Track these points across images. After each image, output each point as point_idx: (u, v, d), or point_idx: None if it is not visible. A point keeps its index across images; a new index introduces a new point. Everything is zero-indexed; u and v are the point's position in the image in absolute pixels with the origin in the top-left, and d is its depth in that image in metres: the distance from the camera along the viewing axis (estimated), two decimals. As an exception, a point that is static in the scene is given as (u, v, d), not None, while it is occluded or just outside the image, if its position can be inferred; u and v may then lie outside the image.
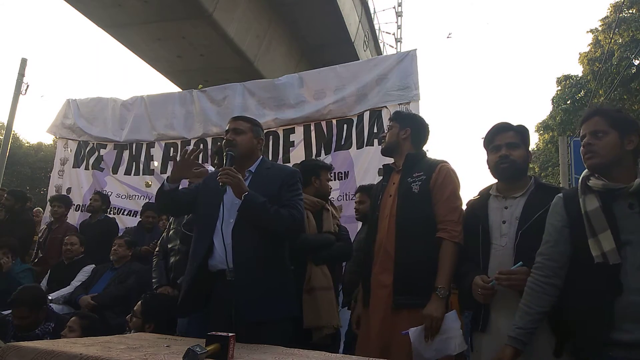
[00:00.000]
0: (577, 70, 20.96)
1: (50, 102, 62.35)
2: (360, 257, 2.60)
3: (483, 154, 2.17)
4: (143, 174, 5.39)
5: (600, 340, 1.53)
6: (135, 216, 5.26)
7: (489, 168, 2.11)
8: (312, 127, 4.57)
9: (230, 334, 1.50)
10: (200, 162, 4.87)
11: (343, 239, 2.89)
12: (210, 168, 3.40)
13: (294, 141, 4.60)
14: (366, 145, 4.26)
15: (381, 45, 18.60)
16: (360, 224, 3.51)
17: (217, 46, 10.44)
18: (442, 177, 2.19)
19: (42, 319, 3.13)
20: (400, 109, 3.90)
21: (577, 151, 1.74)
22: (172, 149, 5.28)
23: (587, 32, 17.82)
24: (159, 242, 3.83)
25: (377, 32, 17.30)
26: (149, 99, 5.54)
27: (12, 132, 11.18)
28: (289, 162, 4.34)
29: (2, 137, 12.22)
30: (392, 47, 20.39)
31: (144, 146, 5.45)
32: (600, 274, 1.57)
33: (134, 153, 5.49)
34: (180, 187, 2.34)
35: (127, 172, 5.50)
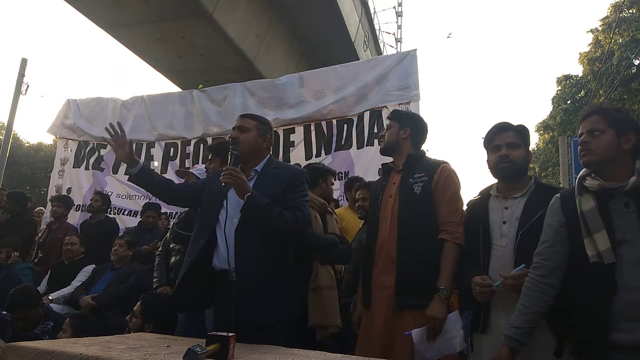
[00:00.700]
0: (577, 70, 21.01)
1: (50, 102, 62.42)
2: (360, 257, 2.60)
3: (483, 154, 2.17)
4: (143, 174, 5.39)
5: (599, 341, 1.54)
6: (136, 216, 5.27)
7: (489, 168, 2.11)
8: (312, 127, 4.58)
9: (230, 334, 1.50)
10: (200, 162, 4.89)
11: (343, 242, 2.90)
12: (203, 166, 3.39)
13: (294, 141, 4.61)
14: (366, 145, 4.26)
15: (381, 45, 18.60)
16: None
17: (217, 46, 10.44)
18: (443, 178, 2.19)
19: (41, 318, 3.14)
20: (400, 109, 3.90)
21: (577, 151, 1.74)
22: (172, 149, 5.28)
23: (587, 32, 17.85)
24: (161, 242, 3.84)
25: (377, 32, 17.29)
26: (149, 99, 5.55)
27: (12, 132, 11.18)
28: (289, 162, 4.35)
29: (2, 137, 12.23)
30: (392, 47, 20.41)
31: (144, 146, 5.45)
32: (596, 273, 1.58)
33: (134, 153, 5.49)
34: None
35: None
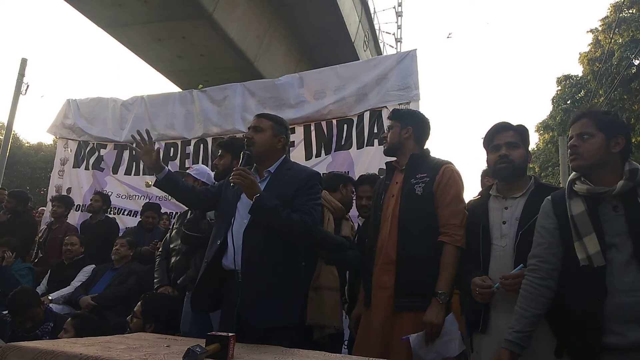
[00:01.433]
0: (577, 70, 21.00)
1: (50, 102, 62.26)
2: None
3: (483, 154, 2.16)
4: (143, 174, 5.39)
5: (592, 344, 1.55)
6: (136, 216, 5.26)
7: (488, 168, 2.10)
8: (312, 127, 4.57)
9: (230, 334, 1.50)
10: (200, 162, 4.89)
11: (354, 248, 2.89)
12: (200, 167, 3.39)
13: (294, 141, 4.60)
14: (366, 146, 4.26)
15: (381, 45, 18.58)
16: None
17: (217, 46, 10.43)
18: (445, 179, 2.17)
19: (42, 319, 3.14)
20: (400, 109, 3.89)
21: (568, 155, 1.75)
22: (172, 149, 5.28)
23: (587, 32, 17.84)
24: (162, 242, 3.84)
25: (377, 32, 17.27)
26: (149, 99, 5.55)
27: (12, 132, 11.18)
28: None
29: (2, 137, 12.22)
30: (392, 47, 20.37)
31: (144, 146, 5.44)
32: (586, 277, 1.59)
33: (134, 153, 5.48)
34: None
35: (128, 172, 5.51)
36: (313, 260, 2.63)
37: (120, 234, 4.75)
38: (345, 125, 4.42)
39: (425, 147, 2.40)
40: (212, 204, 2.35)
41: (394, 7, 21.79)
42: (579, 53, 18.07)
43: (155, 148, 2.26)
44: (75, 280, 4.04)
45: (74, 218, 5.39)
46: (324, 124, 4.52)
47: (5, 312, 3.32)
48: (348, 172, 4.25)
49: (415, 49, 4.30)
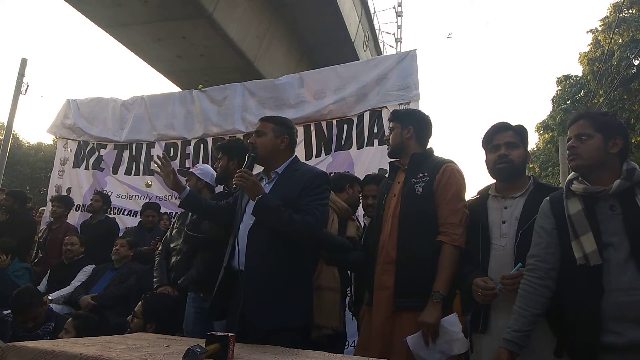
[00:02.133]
0: (577, 70, 20.99)
1: (50, 102, 62.30)
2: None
3: (483, 154, 2.16)
4: (143, 174, 5.40)
5: (590, 343, 1.55)
6: (136, 216, 5.26)
7: (487, 168, 2.11)
8: (312, 127, 4.57)
9: (230, 334, 1.51)
10: (200, 162, 4.89)
11: (358, 250, 2.89)
12: (204, 166, 3.39)
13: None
14: (366, 146, 4.26)
15: (381, 45, 18.57)
16: None
17: (217, 46, 10.43)
18: (446, 177, 2.16)
19: (43, 319, 3.14)
20: (400, 109, 3.89)
21: (566, 155, 1.77)
22: (172, 149, 5.28)
23: (587, 32, 17.85)
24: (162, 241, 3.84)
25: (377, 32, 17.27)
26: (149, 99, 5.55)
27: (12, 132, 11.18)
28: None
29: (2, 137, 12.22)
30: (392, 47, 20.36)
31: (144, 146, 5.45)
32: (584, 276, 1.60)
33: (134, 153, 5.49)
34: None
35: (128, 172, 5.51)
36: (314, 261, 2.62)
37: (121, 234, 4.75)
38: (345, 125, 4.42)
39: (428, 147, 2.39)
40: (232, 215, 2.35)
41: (394, 7, 21.79)
42: (579, 53, 18.10)
43: (172, 169, 2.35)
44: (75, 280, 4.04)
45: (74, 218, 5.39)
46: (324, 124, 4.52)
47: (6, 312, 3.33)
48: (348, 172, 4.26)
49: (415, 49, 4.31)
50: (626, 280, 1.52)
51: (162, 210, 4.96)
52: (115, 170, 5.56)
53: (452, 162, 2.25)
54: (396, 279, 2.13)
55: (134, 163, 5.48)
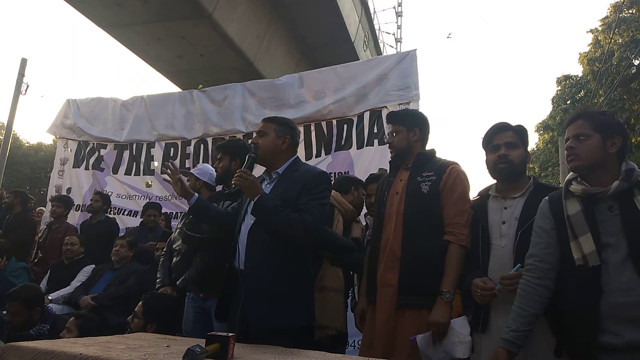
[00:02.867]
0: (577, 70, 21.01)
1: (50, 102, 62.36)
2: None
3: (483, 154, 2.16)
4: (143, 174, 5.40)
5: (588, 343, 1.55)
6: (136, 216, 5.27)
7: (487, 168, 2.11)
8: (312, 127, 4.58)
9: (230, 334, 1.51)
10: (201, 162, 4.89)
11: (362, 251, 2.89)
12: (203, 166, 3.39)
13: (294, 141, 4.60)
14: (366, 145, 4.26)
15: (381, 45, 18.58)
16: None
17: (217, 46, 10.43)
18: (452, 179, 2.18)
19: (37, 320, 3.09)
20: (400, 109, 3.89)
21: (565, 156, 1.76)
22: (172, 149, 5.28)
23: (587, 32, 17.87)
24: (161, 241, 3.85)
25: (377, 32, 17.27)
26: (149, 99, 5.55)
27: (12, 132, 11.19)
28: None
29: (2, 137, 12.22)
30: (392, 47, 20.36)
31: (144, 146, 5.45)
32: (582, 276, 1.60)
33: (134, 153, 5.49)
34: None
35: (128, 172, 5.51)
36: (318, 261, 2.62)
37: (121, 234, 4.75)
38: (345, 125, 4.43)
39: (431, 147, 2.42)
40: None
41: (394, 7, 21.79)
42: (579, 53, 18.13)
43: (180, 177, 2.35)
44: (75, 280, 4.04)
45: (74, 218, 5.39)
46: (324, 124, 4.52)
47: (5, 312, 3.32)
48: (348, 172, 4.26)
49: (415, 49, 4.31)
50: (624, 280, 1.52)
51: (162, 210, 4.96)
52: (115, 171, 5.56)
53: (457, 163, 2.27)
54: (400, 276, 2.13)
55: (134, 163, 5.48)
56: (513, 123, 2.11)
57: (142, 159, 5.43)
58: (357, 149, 4.31)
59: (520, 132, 2.08)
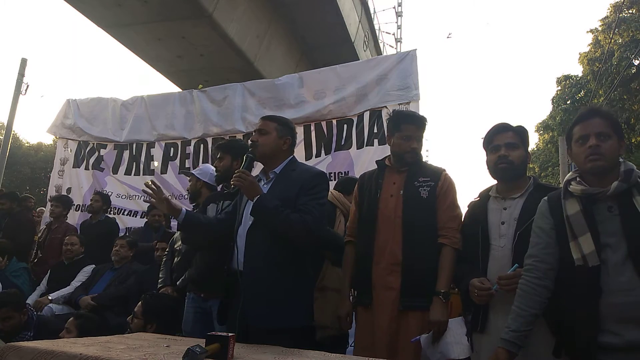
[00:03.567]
0: (577, 70, 21.02)
1: (50, 102, 62.43)
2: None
3: (483, 155, 2.17)
4: (143, 174, 5.39)
5: (588, 343, 1.55)
6: (136, 216, 5.27)
7: (487, 169, 2.11)
8: (312, 127, 4.57)
9: (230, 334, 1.51)
10: (200, 162, 4.90)
11: None
12: (203, 166, 3.39)
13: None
14: (366, 145, 4.26)
15: (381, 45, 18.58)
16: None
17: (217, 46, 10.43)
18: (446, 185, 2.28)
19: (18, 326, 3.01)
20: (400, 109, 3.89)
21: (584, 154, 1.71)
22: (172, 149, 5.28)
23: (587, 32, 17.88)
24: (161, 241, 3.85)
25: (377, 32, 17.28)
26: (149, 99, 5.55)
27: (12, 132, 11.19)
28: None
29: (2, 137, 12.22)
30: (392, 47, 20.38)
31: (144, 146, 5.45)
32: (582, 276, 1.60)
33: (134, 153, 5.49)
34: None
35: (128, 172, 5.50)
36: (319, 261, 2.62)
37: (121, 234, 4.75)
38: (345, 125, 4.42)
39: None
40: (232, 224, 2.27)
41: (394, 7, 21.82)
42: (579, 53, 18.14)
43: (164, 196, 2.26)
44: (75, 281, 4.04)
45: (74, 218, 5.39)
46: (324, 124, 4.52)
47: None
48: (348, 172, 4.26)
49: (415, 49, 4.31)
50: (624, 281, 1.52)
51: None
52: (115, 170, 5.56)
53: (445, 170, 2.36)
54: (403, 279, 2.17)
55: (134, 163, 5.48)
56: (513, 123, 2.12)
57: (142, 159, 5.43)
58: (357, 149, 4.31)
59: (520, 133, 2.08)
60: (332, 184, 3.72)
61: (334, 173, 4.22)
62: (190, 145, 5.17)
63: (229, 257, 2.17)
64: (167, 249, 3.54)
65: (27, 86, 10.58)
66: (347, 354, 2.44)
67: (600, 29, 17.16)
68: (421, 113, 3.75)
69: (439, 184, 2.26)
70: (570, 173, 1.75)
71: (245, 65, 11.02)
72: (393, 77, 4.23)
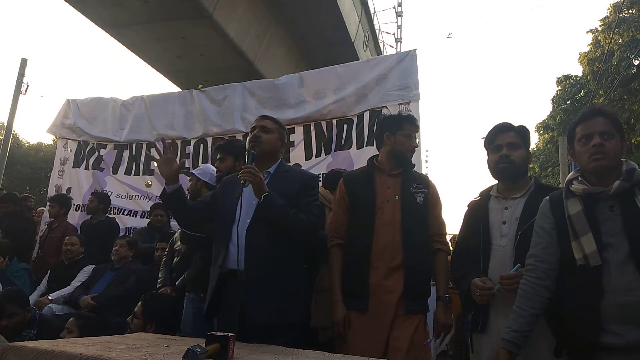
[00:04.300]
0: (577, 70, 21.00)
1: (50, 102, 62.50)
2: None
3: (483, 155, 2.17)
4: (143, 174, 5.39)
5: (589, 343, 1.55)
6: (136, 216, 5.26)
7: (489, 168, 2.11)
8: (312, 127, 4.57)
9: (230, 334, 1.50)
10: (200, 162, 4.89)
11: None
12: (204, 166, 3.39)
13: (293, 141, 4.59)
14: (366, 145, 4.25)
15: (381, 45, 18.60)
16: None
17: (217, 46, 10.44)
18: (436, 193, 2.39)
19: (21, 325, 3.00)
20: (400, 109, 3.90)
21: (588, 153, 1.70)
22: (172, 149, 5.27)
23: (587, 32, 17.86)
24: (162, 241, 3.85)
25: (377, 32, 17.30)
26: (149, 99, 5.54)
27: (12, 132, 11.19)
28: (289, 162, 4.34)
29: (2, 137, 12.22)
30: (392, 47, 20.39)
31: (144, 146, 5.44)
32: (583, 276, 1.59)
33: (134, 153, 5.49)
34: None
35: (127, 172, 5.50)
36: (316, 262, 2.62)
37: (121, 234, 4.75)
38: (345, 125, 4.42)
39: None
40: (207, 215, 2.29)
41: (394, 7, 21.83)
42: (579, 53, 18.12)
43: (179, 162, 2.22)
44: (75, 280, 4.03)
45: (74, 218, 5.39)
46: (323, 124, 4.52)
47: None
48: (343, 169, 4.25)
49: (415, 49, 4.30)
50: (625, 280, 1.52)
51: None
52: (115, 170, 5.55)
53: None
54: (406, 283, 2.19)
55: (134, 163, 5.47)
56: (514, 123, 2.12)
57: (142, 158, 5.42)
58: (357, 149, 4.30)
59: (521, 133, 2.08)
60: (332, 184, 3.72)
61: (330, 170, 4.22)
62: (190, 145, 5.17)
63: (222, 256, 2.11)
64: (167, 249, 3.54)
65: (27, 86, 10.61)
66: (347, 355, 2.44)
67: (600, 29, 17.15)
68: (421, 113, 3.78)
69: (430, 191, 2.34)
70: (572, 172, 1.75)
71: (245, 65, 11.03)
72: (393, 77, 4.22)
